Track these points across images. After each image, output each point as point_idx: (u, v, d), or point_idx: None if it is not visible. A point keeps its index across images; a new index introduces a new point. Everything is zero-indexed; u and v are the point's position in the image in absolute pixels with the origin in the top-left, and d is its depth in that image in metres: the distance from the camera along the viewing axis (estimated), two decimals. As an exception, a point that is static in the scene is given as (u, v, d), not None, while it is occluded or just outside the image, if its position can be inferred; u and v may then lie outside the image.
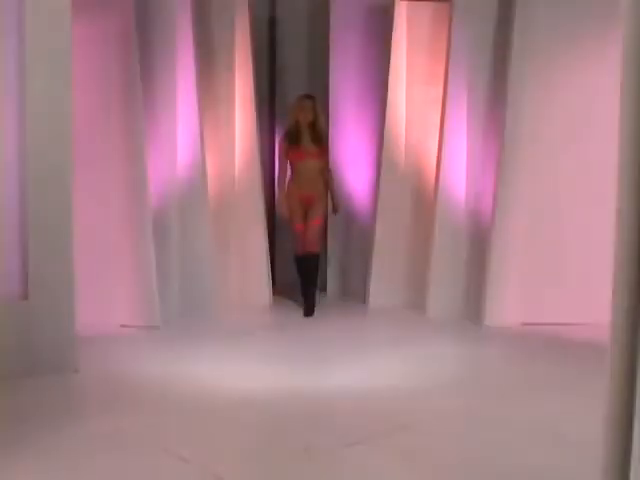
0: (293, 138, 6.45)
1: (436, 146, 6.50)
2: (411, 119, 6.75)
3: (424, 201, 6.69)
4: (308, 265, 6.45)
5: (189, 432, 3.85)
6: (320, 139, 6.47)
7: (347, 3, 6.98)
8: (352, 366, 5.02)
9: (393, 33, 6.66)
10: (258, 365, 5.06)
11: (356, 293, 6.95)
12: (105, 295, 5.81)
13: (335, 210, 6.66)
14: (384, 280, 6.79)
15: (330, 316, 6.45)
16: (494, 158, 6.19)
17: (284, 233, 7.20)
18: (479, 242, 6.31)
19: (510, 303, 6.10)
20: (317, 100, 6.55)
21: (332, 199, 6.60)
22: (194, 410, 4.14)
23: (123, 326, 5.85)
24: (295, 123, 6.48)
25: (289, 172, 6.55)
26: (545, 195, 6.13)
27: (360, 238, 6.93)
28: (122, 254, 5.86)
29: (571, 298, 6.08)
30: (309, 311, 6.38)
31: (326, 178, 6.57)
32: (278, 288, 7.05)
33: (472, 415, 4.12)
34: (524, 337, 5.81)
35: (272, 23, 7.46)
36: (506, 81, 6.04)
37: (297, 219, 6.47)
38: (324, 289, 7.13)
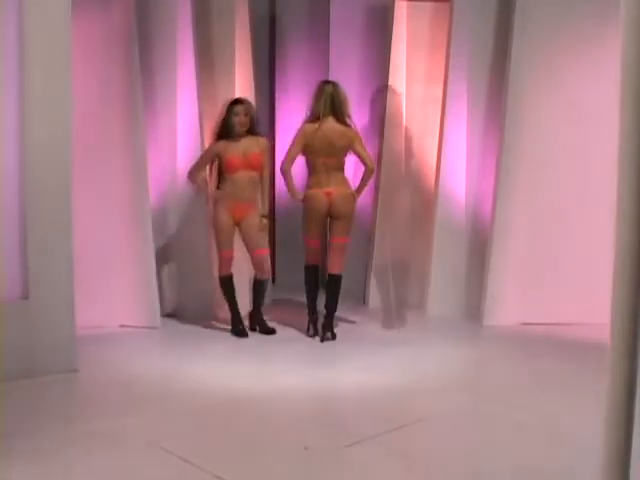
0: None
1: (436, 145, 6.51)
2: (411, 118, 6.75)
3: (424, 201, 6.69)
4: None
5: (189, 432, 3.85)
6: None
7: (347, 2, 6.98)
8: (352, 366, 5.02)
9: (393, 32, 6.67)
10: (258, 365, 5.07)
11: (356, 293, 6.94)
12: (105, 295, 5.81)
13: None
14: (384, 280, 6.79)
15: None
16: (494, 157, 6.19)
17: (285, 233, 7.19)
18: (479, 242, 6.31)
19: (510, 303, 6.10)
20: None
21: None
22: (194, 410, 4.14)
23: (123, 326, 5.85)
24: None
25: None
26: (545, 194, 6.13)
27: (360, 238, 6.92)
28: (122, 254, 5.86)
29: (571, 298, 6.07)
30: (332, 336, 5.67)
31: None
32: (278, 288, 7.05)
33: (472, 415, 4.12)
34: (524, 337, 5.81)
35: (272, 22, 7.46)
36: (506, 80, 6.04)
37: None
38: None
